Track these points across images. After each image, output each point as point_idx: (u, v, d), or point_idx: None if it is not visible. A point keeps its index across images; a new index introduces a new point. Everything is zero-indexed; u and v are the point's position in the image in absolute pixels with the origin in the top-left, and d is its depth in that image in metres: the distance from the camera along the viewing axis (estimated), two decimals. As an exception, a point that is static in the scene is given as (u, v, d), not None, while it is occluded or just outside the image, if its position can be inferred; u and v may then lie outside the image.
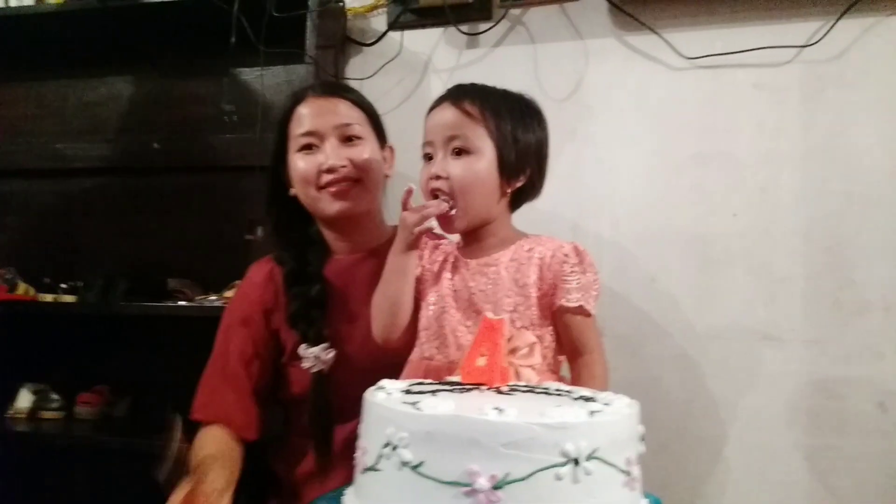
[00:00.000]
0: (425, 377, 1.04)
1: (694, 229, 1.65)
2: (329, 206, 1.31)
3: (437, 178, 1.12)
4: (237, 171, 1.78)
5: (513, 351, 1.04)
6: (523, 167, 1.16)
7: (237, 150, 1.81)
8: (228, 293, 1.72)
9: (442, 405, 0.75)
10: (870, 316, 1.56)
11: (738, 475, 1.62)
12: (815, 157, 1.60)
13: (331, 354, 1.29)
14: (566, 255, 1.11)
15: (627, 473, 0.76)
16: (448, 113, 1.14)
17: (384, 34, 1.82)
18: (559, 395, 0.88)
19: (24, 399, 1.95)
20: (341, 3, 1.82)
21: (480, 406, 0.74)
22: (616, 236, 1.69)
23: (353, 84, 1.77)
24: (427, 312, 1.16)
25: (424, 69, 1.83)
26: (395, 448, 0.75)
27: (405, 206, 1.13)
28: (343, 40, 1.83)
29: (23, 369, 1.97)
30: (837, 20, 1.56)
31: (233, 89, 1.94)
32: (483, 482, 0.71)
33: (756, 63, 1.61)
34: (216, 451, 1.24)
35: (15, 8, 1.93)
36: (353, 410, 0.90)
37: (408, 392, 0.85)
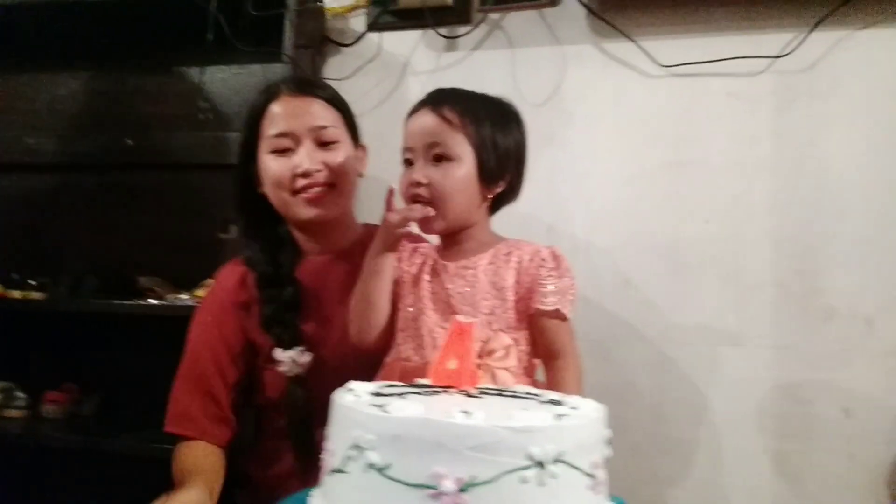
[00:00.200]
0: (401, 379, 1.04)
1: (667, 235, 1.66)
2: (302, 211, 1.30)
3: (418, 184, 1.12)
4: (211, 170, 1.76)
5: (489, 353, 1.05)
6: (503, 173, 1.17)
7: (212, 148, 1.79)
8: (200, 292, 1.70)
9: (409, 408, 0.75)
10: (836, 323, 1.59)
11: (707, 479, 1.64)
12: (786, 166, 1.62)
13: (306, 357, 1.28)
14: (544, 260, 1.12)
15: (593, 477, 0.77)
16: (428, 119, 1.14)
17: (363, 35, 1.82)
18: (528, 398, 0.88)
19: (-11, 397, 1.92)
20: (320, 4, 1.81)
21: (448, 409, 0.75)
22: (590, 240, 1.70)
23: (331, 84, 1.76)
24: (404, 314, 1.16)
25: (403, 71, 1.83)
26: (361, 450, 0.75)
27: (389, 207, 1.13)
28: (321, 40, 1.82)
29: (-12, 366, 1.94)
30: (810, 32, 1.59)
31: (209, 87, 1.92)
32: (449, 485, 0.71)
33: (730, 72, 1.63)
34: (196, 464, 1.23)
35: (-14, 1, 1.90)
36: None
37: (376, 394, 0.85)
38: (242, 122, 1.37)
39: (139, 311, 1.77)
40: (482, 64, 1.78)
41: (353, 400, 0.81)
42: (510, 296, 1.12)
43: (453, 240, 1.18)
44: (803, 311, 1.60)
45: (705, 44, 1.65)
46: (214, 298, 1.38)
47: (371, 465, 0.74)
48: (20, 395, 1.93)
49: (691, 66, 1.65)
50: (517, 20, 1.76)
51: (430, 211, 1.12)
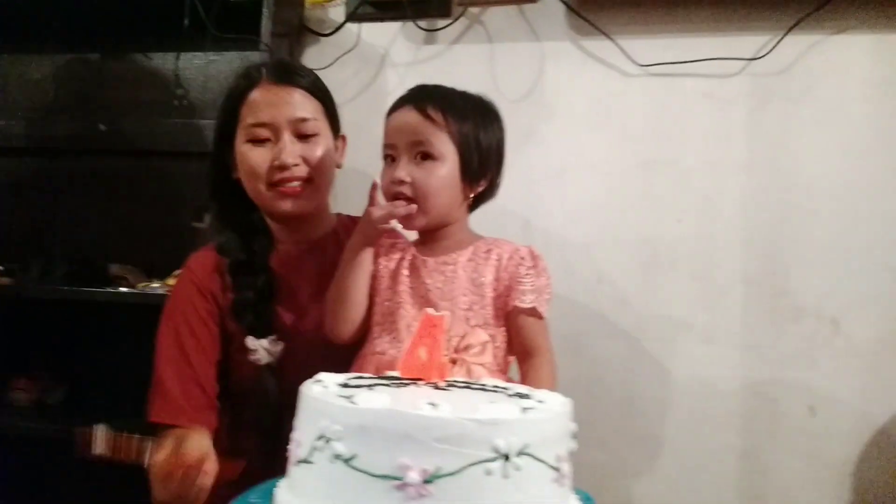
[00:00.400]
0: (377, 372, 1.04)
1: (640, 233, 1.68)
2: (278, 204, 1.28)
3: (402, 182, 1.12)
4: (185, 157, 1.74)
5: (466, 348, 1.07)
6: (485, 172, 1.18)
7: (186, 135, 1.77)
8: (172, 281, 1.68)
9: (376, 399, 0.75)
10: (804, 323, 1.62)
11: (673, 474, 1.66)
12: (759, 167, 1.65)
13: (279, 347, 1.27)
14: (522, 258, 1.14)
15: (557, 470, 0.77)
16: (411, 117, 1.14)
17: (342, 25, 1.81)
18: (495, 391, 0.89)
19: (-46, 384, 1.89)
20: (299, -9, 1.81)
21: (415, 400, 0.75)
22: (565, 236, 1.72)
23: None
24: (381, 308, 1.16)
25: (381, 62, 1.82)
26: (328, 441, 0.75)
27: (372, 202, 1.13)
28: (299, 29, 1.81)
29: (-46, 353, 1.91)
30: (784, 36, 1.61)
31: (184, 74, 1.90)
32: (414, 476, 0.71)
33: (706, 73, 1.65)
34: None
35: (-42, -21, 1.86)
36: None
37: (345, 385, 0.85)
38: (220, 106, 1.34)
39: (109, 300, 1.75)
40: (461, 58, 1.78)
41: (320, 391, 0.81)
42: (488, 292, 1.13)
43: (432, 236, 1.19)
44: (772, 311, 1.63)
45: (682, 44, 1.67)
46: (188, 284, 1.34)
47: (337, 456, 0.74)
48: (-14, 381, 1.91)
49: (668, 65, 1.67)
50: (497, 15, 1.77)
51: (414, 208, 1.12)
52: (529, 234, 1.70)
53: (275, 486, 0.85)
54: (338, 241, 1.36)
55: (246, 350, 1.27)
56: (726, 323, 1.65)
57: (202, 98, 1.77)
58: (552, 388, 1.10)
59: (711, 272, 1.65)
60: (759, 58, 1.63)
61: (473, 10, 1.77)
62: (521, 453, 0.73)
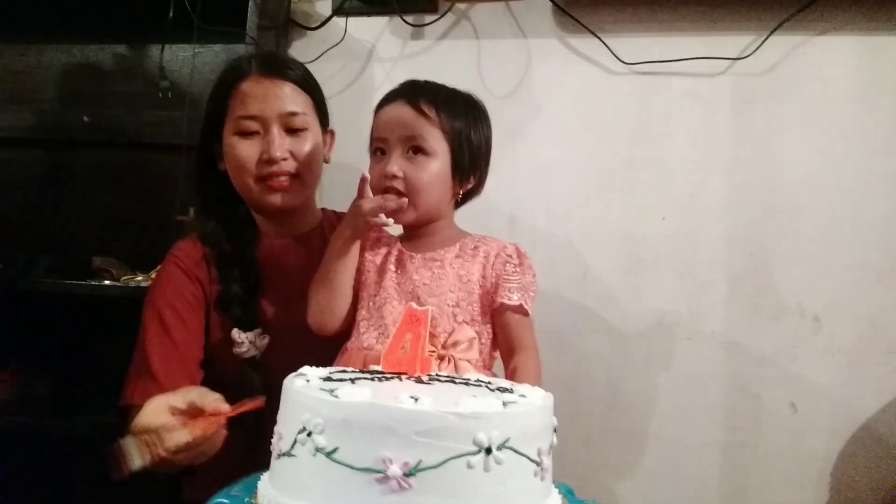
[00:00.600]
0: (364, 367, 1.05)
1: (624, 230, 1.69)
2: (265, 198, 1.28)
3: (393, 176, 1.12)
4: (170, 150, 1.72)
5: (453, 345, 1.08)
6: (475, 169, 1.19)
7: (171, 127, 1.75)
8: (156, 274, 1.68)
9: (358, 392, 0.75)
10: (786, 320, 1.63)
11: (656, 469, 1.68)
12: (742, 166, 1.66)
13: (265, 340, 1.27)
14: (509, 256, 1.15)
15: (538, 463, 0.78)
16: (405, 111, 1.14)
17: (328, 19, 1.80)
18: (478, 385, 0.89)
19: (-66, 377, 1.87)
20: (285, -16, 1.79)
21: (396, 394, 0.75)
22: (550, 232, 1.72)
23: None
24: (368, 303, 1.16)
25: (368, 57, 1.82)
26: (310, 434, 0.75)
27: (362, 194, 1.13)
28: (286, 22, 1.80)
29: (-65, 345, 1.89)
30: (768, 36, 1.62)
31: (169, 66, 1.88)
32: (396, 469, 0.71)
33: (690, 72, 1.66)
34: None
35: (-62, -33, 1.83)
36: None
37: (327, 379, 0.85)
38: (208, 97, 1.33)
39: (92, 293, 1.74)
40: (448, 54, 1.78)
41: (303, 384, 0.82)
42: (476, 289, 1.13)
43: (419, 232, 1.19)
44: (754, 308, 1.65)
45: (667, 43, 1.67)
46: (174, 268, 1.32)
47: (319, 449, 0.74)
48: (-32, 374, 1.89)
49: (653, 64, 1.67)
50: (483, 11, 1.76)
51: (405, 202, 1.12)
52: (515, 231, 1.71)
53: (258, 479, 0.85)
54: (323, 235, 1.36)
55: (230, 343, 1.26)
56: (709, 319, 1.66)
57: (187, 91, 1.75)
58: (538, 384, 1.10)
59: (695, 269, 1.67)
60: (744, 58, 1.64)
61: (460, 5, 1.77)
62: (502, 447, 0.74)
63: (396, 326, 1.10)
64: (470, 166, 1.18)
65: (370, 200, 1.11)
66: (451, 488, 0.73)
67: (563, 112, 1.73)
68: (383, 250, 1.20)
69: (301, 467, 0.77)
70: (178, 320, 1.27)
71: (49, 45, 2.05)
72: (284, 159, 1.26)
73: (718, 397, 1.65)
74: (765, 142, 1.65)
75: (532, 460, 0.77)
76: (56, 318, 1.93)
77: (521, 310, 1.13)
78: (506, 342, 1.15)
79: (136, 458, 0.89)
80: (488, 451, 0.73)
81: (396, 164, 1.12)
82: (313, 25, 1.82)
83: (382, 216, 1.12)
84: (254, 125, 1.26)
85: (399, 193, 1.13)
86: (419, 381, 0.89)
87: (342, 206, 1.24)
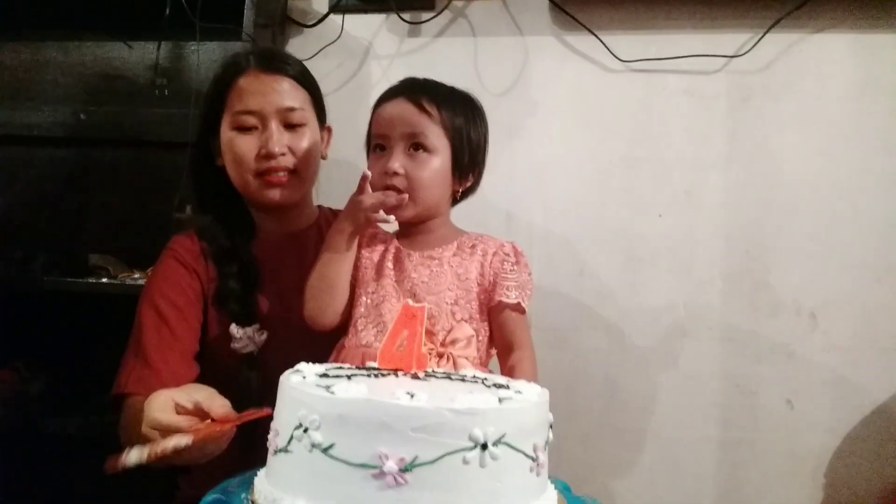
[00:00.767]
0: (362, 364, 1.05)
1: (621, 227, 1.70)
2: (262, 193, 1.28)
3: (395, 173, 1.12)
4: (167, 147, 1.72)
5: (452, 342, 1.08)
6: (473, 167, 1.20)
7: (168, 125, 1.75)
8: (153, 267, 1.68)
9: (354, 388, 0.75)
10: (782, 317, 1.64)
11: (653, 466, 1.68)
12: (739, 163, 1.66)
13: (264, 336, 1.26)
14: (507, 254, 1.15)
15: (534, 459, 0.78)
16: (406, 108, 1.14)
17: (325, 16, 1.80)
18: (474, 381, 0.89)
19: (-71, 375, 1.87)
20: (282, -19, 1.79)
21: (393, 391, 0.75)
22: (547, 229, 1.72)
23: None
24: (366, 300, 1.16)
25: (365, 54, 1.82)
26: (306, 430, 0.75)
27: (362, 191, 1.12)
28: (283, 20, 1.80)
29: (-69, 344, 1.89)
30: (765, 34, 1.62)
31: (165, 63, 1.87)
32: (391, 465, 0.71)
33: (687, 70, 1.67)
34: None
35: (-66, -37, 1.82)
36: None
37: (324, 375, 0.85)
38: (206, 92, 1.33)
39: (90, 290, 1.73)
40: (444, 51, 1.78)
41: (299, 381, 0.82)
42: (474, 287, 1.14)
43: (416, 229, 1.19)
44: (751, 305, 1.65)
45: (664, 40, 1.67)
46: (172, 261, 1.31)
47: (315, 445, 0.74)
48: (-36, 373, 1.88)
49: (650, 61, 1.68)
50: (480, 9, 1.77)
51: (405, 198, 1.12)
52: (512, 228, 1.71)
53: (255, 476, 0.86)
54: (320, 232, 1.36)
55: (228, 338, 1.26)
56: (706, 316, 1.66)
57: (184, 88, 1.75)
58: (533, 380, 1.11)
59: (691, 266, 1.67)
60: (740, 55, 1.64)
61: (457, 3, 1.77)
62: (498, 443, 0.74)
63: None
64: (469, 164, 1.19)
65: (371, 196, 1.11)
66: (447, 484, 0.73)
67: (559, 109, 1.73)
68: (380, 247, 1.20)
69: (297, 463, 0.77)
70: (176, 312, 1.26)
71: (45, 43, 2.04)
72: (283, 154, 1.26)
73: (715, 394, 1.66)
74: (761, 139, 1.65)
75: (528, 456, 0.77)
76: (53, 316, 1.92)
77: (518, 308, 1.14)
78: (503, 340, 1.15)
79: (135, 454, 0.88)
80: (484, 446, 0.73)
81: (398, 161, 1.13)
82: (310, 23, 1.82)
83: (382, 213, 1.12)
84: (252, 120, 1.26)
85: (399, 191, 1.13)
86: (415, 377, 0.89)
87: (339, 203, 1.23)
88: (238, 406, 1.24)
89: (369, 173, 1.12)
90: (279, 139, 1.26)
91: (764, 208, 1.65)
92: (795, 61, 1.64)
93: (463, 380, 0.90)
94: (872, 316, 1.60)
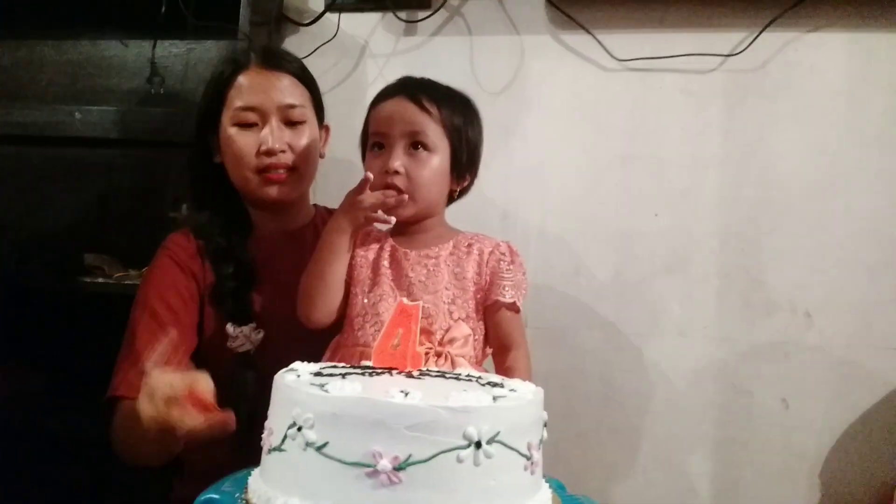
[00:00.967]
0: (359, 363, 1.05)
1: (617, 226, 1.69)
2: (261, 190, 1.28)
3: (395, 172, 1.12)
4: (162, 146, 1.72)
5: (450, 341, 1.09)
6: (471, 167, 1.20)
7: (163, 124, 1.75)
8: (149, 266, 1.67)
9: (348, 387, 0.75)
10: (777, 316, 1.64)
11: (649, 465, 1.68)
12: (734, 163, 1.66)
13: (260, 335, 1.26)
14: (503, 254, 1.15)
15: (528, 458, 0.78)
16: (406, 106, 1.14)
17: (321, 15, 1.79)
18: (468, 380, 0.89)
19: (-75, 374, 1.86)
20: (278, -20, 1.79)
21: (387, 389, 0.75)
22: (543, 228, 1.72)
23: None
24: (363, 299, 1.16)
25: (361, 53, 1.81)
26: (300, 429, 0.75)
27: (361, 191, 1.12)
28: (278, 18, 1.79)
29: (-75, 343, 1.88)
30: (760, 33, 1.62)
31: (161, 62, 1.87)
32: (386, 463, 0.72)
33: (683, 69, 1.66)
34: None
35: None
36: None
37: (318, 374, 0.85)
38: (205, 90, 1.33)
39: (85, 290, 1.73)
40: (441, 50, 1.78)
41: (293, 379, 0.82)
42: (470, 286, 1.14)
43: (412, 228, 1.19)
44: (746, 304, 1.65)
45: (660, 39, 1.67)
46: (168, 260, 1.31)
47: (309, 444, 0.74)
48: (-43, 372, 1.88)
49: (646, 60, 1.67)
50: (476, 7, 1.76)
51: (405, 198, 1.12)
52: (508, 226, 1.71)
53: (248, 474, 0.85)
54: (316, 231, 1.36)
55: (224, 337, 1.26)
56: (701, 315, 1.66)
57: (179, 87, 1.75)
58: (528, 379, 1.11)
59: (687, 265, 1.67)
60: (736, 54, 1.64)
61: (453, 1, 1.76)
62: (492, 441, 0.74)
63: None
64: (467, 163, 1.19)
65: (371, 196, 1.12)
66: (441, 482, 0.73)
67: (555, 108, 1.73)
68: (375, 246, 1.20)
69: (291, 462, 0.77)
70: (170, 313, 1.26)
71: (41, 42, 2.04)
72: (283, 151, 1.27)
73: (710, 393, 1.66)
74: (757, 138, 1.65)
75: (522, 454, 0.77)
76: (48, 316, 1.92)
77: (513, 307, 1.14)
78: (498, 339, 1.16)
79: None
80: (478, 445, 0.73)
81: (399, 160, 1.13)
82: (306, 21, 1.82)
83: (381, 212, 1.12)
84: (253, 116, 1.27)
85: (399, 190, 1.13)
86: (409, 375, 0.89)
87: (335, 202, 1.23)
88: (234, 405, 1.25)
89: (371, 176, 1.12)
90: (279, 136, 1.26)
91: (759, 207, 1.65)
92: (791, 60, 1.63)
93: (457, 378, 0.91)
94: (868, 314, 1.60)
